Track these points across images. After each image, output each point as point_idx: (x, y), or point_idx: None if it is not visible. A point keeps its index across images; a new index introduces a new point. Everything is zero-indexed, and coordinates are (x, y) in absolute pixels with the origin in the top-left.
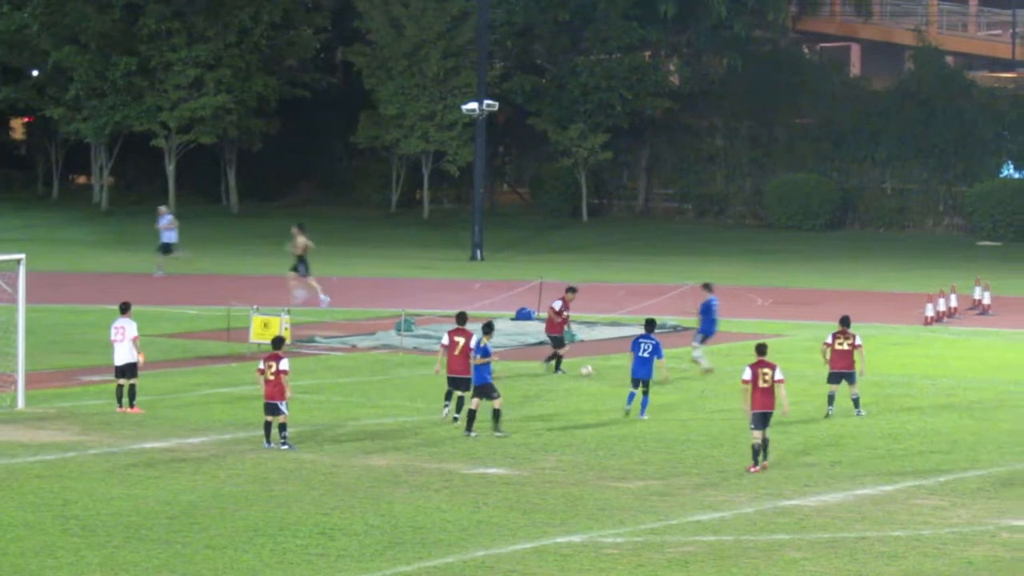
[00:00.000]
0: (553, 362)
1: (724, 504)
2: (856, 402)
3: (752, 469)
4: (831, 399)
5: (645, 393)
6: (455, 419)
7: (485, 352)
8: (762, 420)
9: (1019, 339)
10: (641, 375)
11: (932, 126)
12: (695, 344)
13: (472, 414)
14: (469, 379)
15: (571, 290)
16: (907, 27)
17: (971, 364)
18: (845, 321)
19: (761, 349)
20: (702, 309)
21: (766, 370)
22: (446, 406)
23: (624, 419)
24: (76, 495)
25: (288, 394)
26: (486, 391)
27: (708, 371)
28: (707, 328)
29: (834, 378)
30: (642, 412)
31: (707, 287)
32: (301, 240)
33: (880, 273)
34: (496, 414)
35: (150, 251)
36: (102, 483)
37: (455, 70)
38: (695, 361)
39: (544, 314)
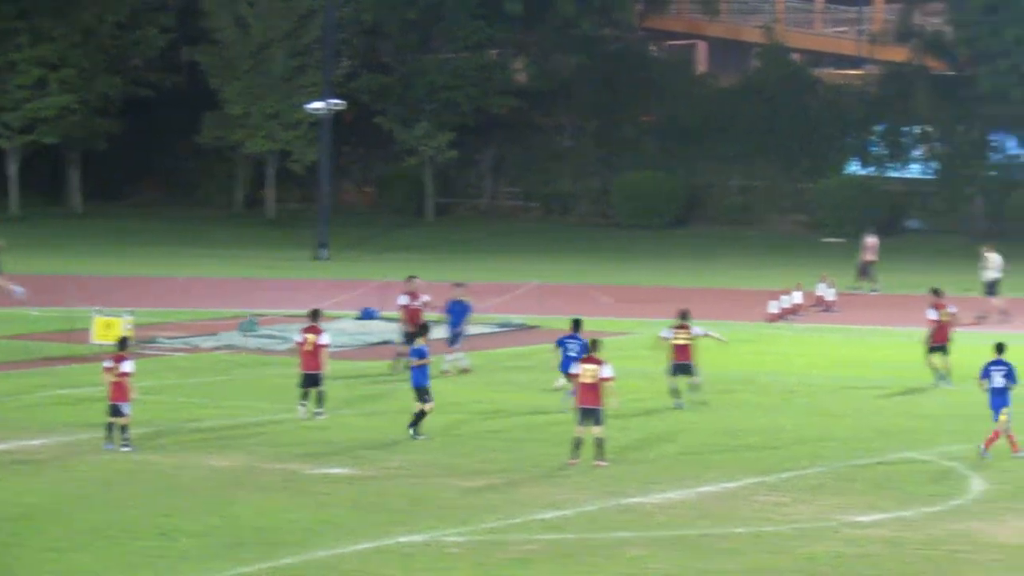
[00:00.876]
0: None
1: (566, 502)
2: (695, 388)
3: (571, 462)
4: (675, 392)
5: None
6: (316, 415)
7: (421, 354)
8: (585, 415)
9: (863, 335)
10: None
11: (777, 123)
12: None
13: (420, 415)
14: (320, 375)
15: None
16: (754, 25)
17: (815, 360)
18: (684, 315)
19: (594, 344)
20: (449, 308)
21: (593, 366)
22: (302, 404)
23: (467, 419)
24: None
25: (132, 395)
26: (421, 394)
27: (466, 371)
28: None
29: (675, 370)
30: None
31: (459, 285)
32: None
33: (725, 270)
34: (420, 416)
35: None
36: None
37: (301, 69)
38: (451, 364)
39: (394, 313)
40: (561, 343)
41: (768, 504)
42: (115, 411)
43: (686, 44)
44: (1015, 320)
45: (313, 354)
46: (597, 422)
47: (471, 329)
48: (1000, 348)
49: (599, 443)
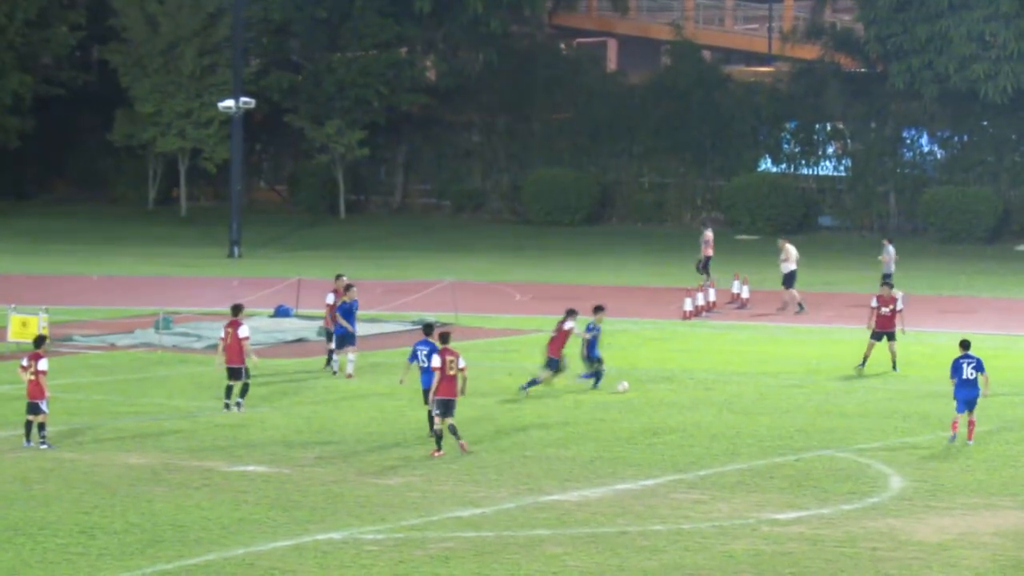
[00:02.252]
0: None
1: (484, 500)
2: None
3: (436, 454)
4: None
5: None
6: (238, 406)
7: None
8: (444, 407)
9: (777, 333)
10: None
11: (689, 120)
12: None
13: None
14: (242, 368)
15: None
16: (664, 22)
17: (729, 358)
18: (571, 312)
19: (444, 337)
20: (342, 311)
21: (451, 358)
22: (227, 404)
23: (384, 416)
24: None
25: (47, 394)
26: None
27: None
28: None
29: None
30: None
31: (348, 288)
32: None
33: (639, 267)
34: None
35: None
36: None
37: (211, 67)
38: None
39: (307, 310)
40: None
41: (686, 502)
42: (33, 409)
43: (596, 41)
44: (808, 313)
45: (234, 347)
46: (450, 413)
47: (388, 327)
48: (966, 344)
49: (454, 429)
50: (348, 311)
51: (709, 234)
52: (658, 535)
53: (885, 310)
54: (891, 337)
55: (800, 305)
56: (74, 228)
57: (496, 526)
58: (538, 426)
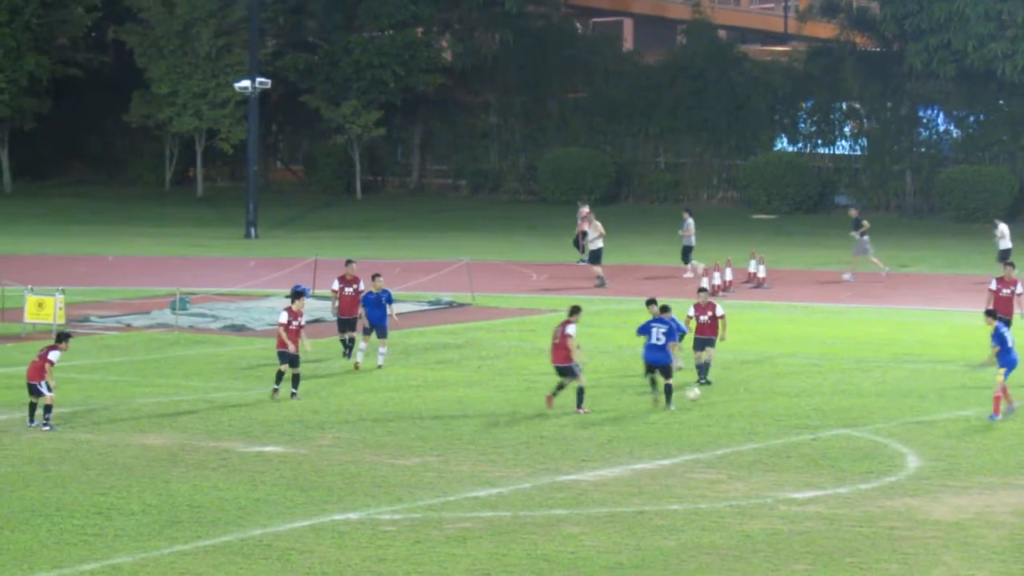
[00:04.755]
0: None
1: (501, 480)
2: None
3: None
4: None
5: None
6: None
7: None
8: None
9: (794, 312)
10: (655, 360)
11: (705, 100)
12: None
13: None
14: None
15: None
16: (679, 1)
17: (746, 337)
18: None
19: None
20: (367, 301)
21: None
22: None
23: (399, 396)
24: None
25: (46, 378)
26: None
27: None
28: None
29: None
30: (668, 403)
31: (375, 277)
32: None
33: (655, 247)
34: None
35: None
36: None
37: (227, 48)
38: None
39: (322, 291)
40: (645, 329)
41: (703, 481)
42: (33, 390)
43: (612, 21)
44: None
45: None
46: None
47: (404, 307)
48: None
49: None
50: (376, 301)
51: (585, 210)
52: (675, 515)
53: (1006, 292)
54: (1008, 324)
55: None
56: (90, 209)
57: (513, 506)
58: (555, 407)
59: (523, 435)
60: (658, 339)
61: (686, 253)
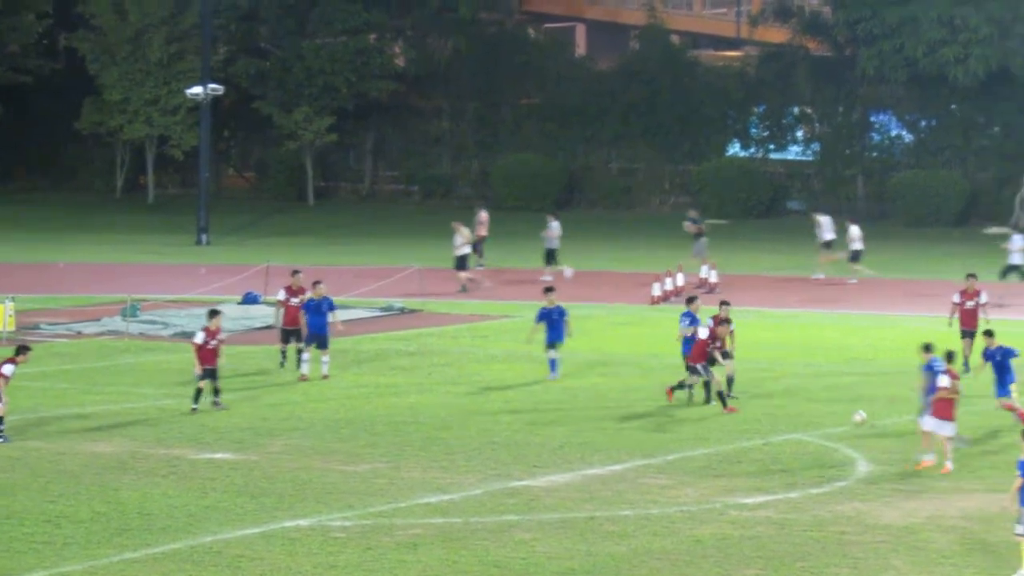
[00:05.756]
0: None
1: (452, 486)
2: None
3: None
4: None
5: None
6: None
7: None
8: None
9: (745, 317)
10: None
11: (658, 105)
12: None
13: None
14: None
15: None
16: (632, 7)
17: None
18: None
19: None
20: (308, 308)
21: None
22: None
23: (349, 403)
24: None
25: (4, 397)
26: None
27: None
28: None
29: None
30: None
31: (315, 284)
32: None
33: (608, 253)
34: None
35: None
36: None
37: (179, 54)
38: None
39: (272, 297)
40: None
41: (654, 487)
42: None
43: (565, 26)
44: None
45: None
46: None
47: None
48: (989, 333)
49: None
50: (317, 308)
51: (483, 214)
52: (626, 520)
53: (970, 304)
54: (972, 335)
55: (465, 287)
56: (39, 216)
57: (464, 512)
58: (507, 412)
59: (474, 441)
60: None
61: (550, 256)
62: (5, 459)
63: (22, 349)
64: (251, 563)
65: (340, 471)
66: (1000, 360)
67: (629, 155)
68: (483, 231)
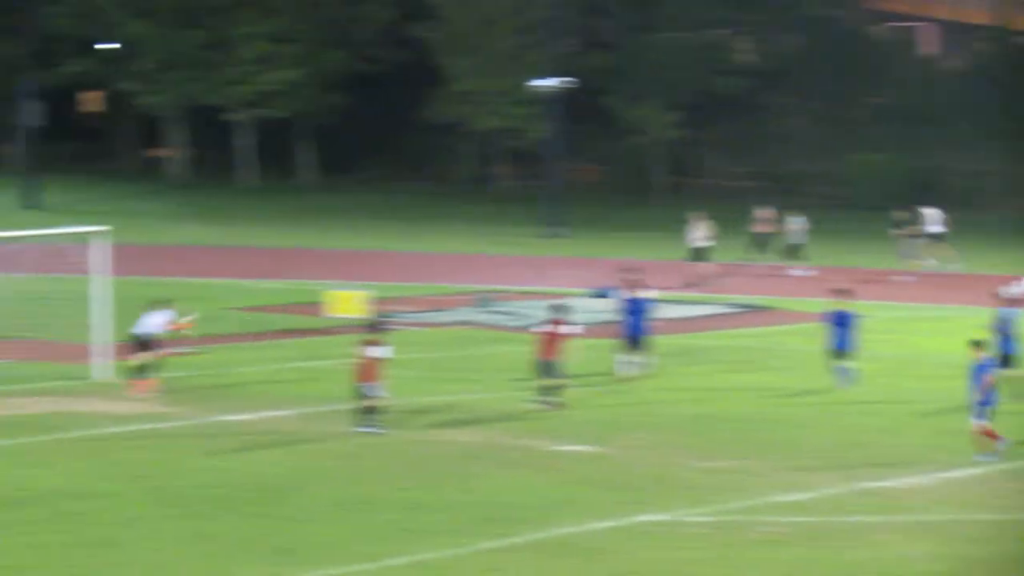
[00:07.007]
0: None
1: (805, 485)
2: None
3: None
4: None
5: None
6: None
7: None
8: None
9: None
10: None
11: (1009, 107)
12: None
13: None
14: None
15: None
16: (976, 7)
17: None
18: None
19: None
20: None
21: None
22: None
23: (700, 396)
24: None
25: (375, 380)
26: None
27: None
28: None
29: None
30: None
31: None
32: None
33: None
34: None
35: (223, 224)
36: (186, 454)
37: (527, 46)
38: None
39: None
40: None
41: (1014, 492)
42: (360, 392)
43: (909, 25)
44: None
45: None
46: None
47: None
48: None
49: None
50: (635, 308)
51: (767, 212)
52: (986, 524)
53: None
54: None
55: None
56: (389, 205)
57: (822, 512)
58: (857, 413)
59: (827, 440)
60: None
61: (791, 251)
62: (360, 447)
63: (375, 324)
64: (611, 556)
65: (693, 467)
66: None
67: (978, 157)
68: (764, 227)
